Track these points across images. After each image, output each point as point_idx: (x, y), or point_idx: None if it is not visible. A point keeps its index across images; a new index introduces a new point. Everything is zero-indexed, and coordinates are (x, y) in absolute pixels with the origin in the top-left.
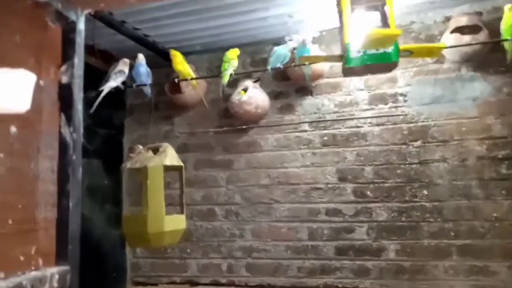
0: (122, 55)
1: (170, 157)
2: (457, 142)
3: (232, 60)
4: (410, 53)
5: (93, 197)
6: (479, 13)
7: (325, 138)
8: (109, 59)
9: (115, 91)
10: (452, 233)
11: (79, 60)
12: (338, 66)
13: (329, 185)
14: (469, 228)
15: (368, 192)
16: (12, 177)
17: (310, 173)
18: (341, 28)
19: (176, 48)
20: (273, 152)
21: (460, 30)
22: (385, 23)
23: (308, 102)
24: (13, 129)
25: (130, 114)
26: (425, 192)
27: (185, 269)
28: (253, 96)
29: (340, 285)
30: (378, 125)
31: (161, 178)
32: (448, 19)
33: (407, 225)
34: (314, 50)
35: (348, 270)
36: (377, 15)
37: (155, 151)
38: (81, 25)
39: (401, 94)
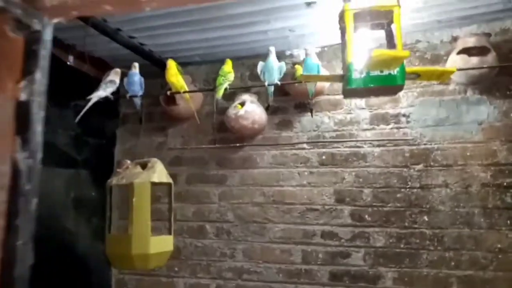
0: (117, 63)
1: (159, 173)
2: (460, 167)
3: (228, 74)
4: (417, 76)
5: (78, 210)
6: (488, 34)
7: (324, 157)
8: (104, 67)
9: (107, 100)
10: (453, 263)
11: (42, 75)
12: (339, 83)
13: (326, 207)
14: (471, 258)
15: (366, 216)
16: None
17: (307, 193)
18: (343, 47)
19: (173, 58)
20: (269, 169)
21: (467, 51)
22: (391, 42)
23: (307, 119)
24: None
25: (123, 123)
26: (426, 218)
27: None
28: (250, 110)
29: None
30: (379, 146)
31: (148, 195)
32: (455, 39)
33: (405, 252)
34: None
35: None
36: (382, 34)
37: (144, 166)
38: (47, 36)
39: (404, 115)
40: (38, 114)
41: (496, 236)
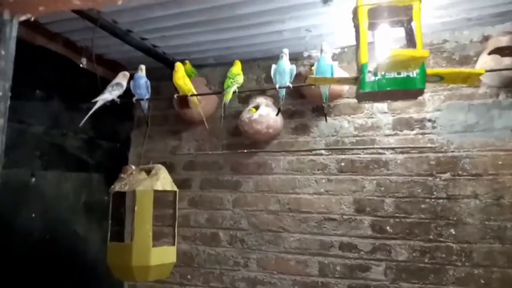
0: (132, 65)
1: (163, 180)
2: (491, 176)
3: (237, 76)
4: (440, 78)
5: (89, 215)
6: None
7: (342, 163)
8: (118, 69)
9: (119, 102)
10: (482, 281)
11: (3, 78)
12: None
13: (345, 217)
14: (503, 276)
15: (388, 227)
16: None
17: (324, 201)
18: (357, 46)
19: (187, 60)
20: (284, 176)
21: (500, 51)
22: (411, 41)
23: (325, 123)
24: None
25: (138, 126)
26: (452, 231)
27: None
28: (264, 114)
29: None
30: (402, 153)
31: (150, 204)
32: (486, 38)
33: (430, 268)
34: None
35: None
36: (401, 32)
37: (149, 172)
38: (10, 34)
39: (429, 120)
40: None
41: None
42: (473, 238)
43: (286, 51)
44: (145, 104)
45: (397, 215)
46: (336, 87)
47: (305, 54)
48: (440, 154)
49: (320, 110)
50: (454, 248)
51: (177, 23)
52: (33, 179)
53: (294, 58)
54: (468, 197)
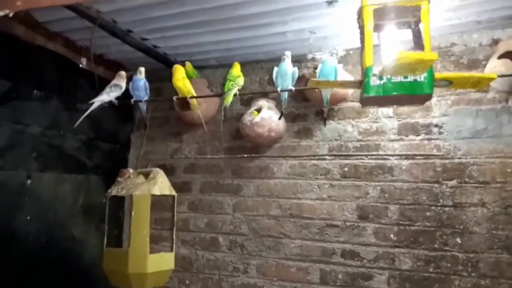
0: (133, 66)
1: (160, 185)
2: (500, 184)
3: (237, 78)
4: (449, 83)
5: (87, 218)
6: None
7: (346, 169)
8: (118, 69)
9: (118, 104)
10: None
11: None
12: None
13: (347, 223)
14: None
15: (392, 235)
16: None
17: (327, 207)
18: (362, 48)
19: (188, 61)
20: (286, 180)
21: (510, 55)
22: (418, 44)
23: (329, 127)
24: None
25: (138, 128)
26: (459, 240)
27: None
28: (266, 117)
29: None
30: (407, 158)
31: (148, 209)
32: (496, 42)
33: (435, 277)
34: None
35: None
36: (408, 34)
37: (147, 176)
38: None
39: (436, 125)
40: None
41: None
42: (480, 248)
43: (288, 53)
44: (143, 106)
45: (401, 222)
46: (340, 90)
47: (309, 56)
48: (447, 161)
49: (322, 113)
50: (460, 257)
51: (178, 23)
52: (29, 181)
53: (298, 60)
54: (475, 205)
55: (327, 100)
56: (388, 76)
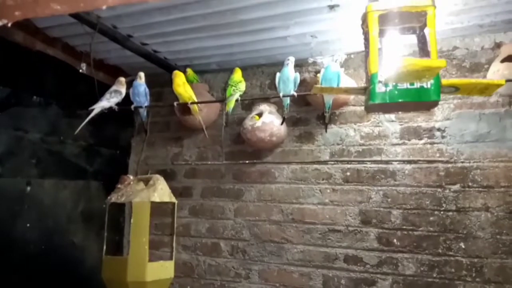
0: (133, 71)
1: (160, 192)
2: (503, 189)
3: (239, 84)
4: (455, 89)
5: (87, 224)
6: None
7: (348, 173)
8: (119, 74)
9: (116, 110)
10: None
11: None
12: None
13: (350, 228)
14: None
15: (395, 240)
16: None
17: (329, 212)
18: (366, 54)
19: (189, 66)
20: (288, 185)
21: None
22: (424, 50)
23: (331, 131)
24: None
25: (138, 133)
26: (462, 245)
27: None
28: (268, 122)
29: None
30: (409, 163)
31: (147, 216)
32: (498, 45)
33: (438, 282)
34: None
35: None
36: (410, 38)
37: (147, 182)
38: None
39: (439, 129)
40: None
41: None
42: (484, 253)
43: (292, 59)
44: (143, 112)
45: (404, 227)
46: (342, 95)
47: (310, 60)
48: (450, 165)
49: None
50: (464, 262)
51: (179, 28)
52: (29, 188)
53: (299, 65)
54: (479, 210)
55: (329, 105)
56: (394, 83)
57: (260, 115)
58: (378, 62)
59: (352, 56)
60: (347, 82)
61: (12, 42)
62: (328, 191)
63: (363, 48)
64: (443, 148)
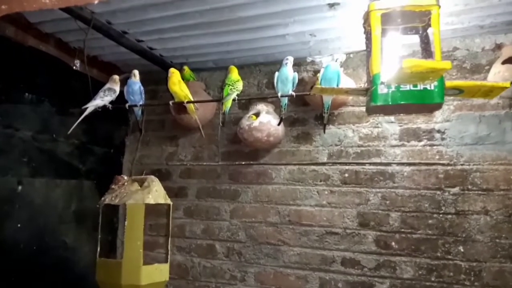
0: (128, 68)
1: (155, 193)
2: (503, 192)
3: (236, 83)
4: (459, 91)
5: (80, 224)
6: None
7: (346, 175)
8: (113, 71)
9: (109, 108)
10: None
11: None
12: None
13: (348, 231)
14: None
15: (393, 243)
16: None
17: (326, 214)
18: (368, 55)
19: (185, 64)
20: (285, 186)
21: None
22: (427, 50)
23: (329, 132)
24: None
25: (133, 132)
26: (461, 248)
27: None
28: (265, 122)
29: None
30: (409, 165)
31: (142, 219)
32: (499, 46)
33: (437, 286)
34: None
35: None
36: (413, 39)
37: (141, 183)
38: None
39: (438, 131)
40: None
41: None
42: (483, 257)
43: (291, 58)
44: (138, 111)
45: (403, 230)
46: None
47: (309, 59)
48: (449, 167)
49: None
50: (463, 266)
51: (175, 25)
52: (20, 187)
53: (297, 64)
54: (478, 213)
55: (328, 106)
56: (396, 85)
57: (257, 114)
58: (380, 63)
59: (351, 55)
60: (346, 82)
61: (3, 37)
62: (326, 192)
63: (362, 48)
64: (442, 150)
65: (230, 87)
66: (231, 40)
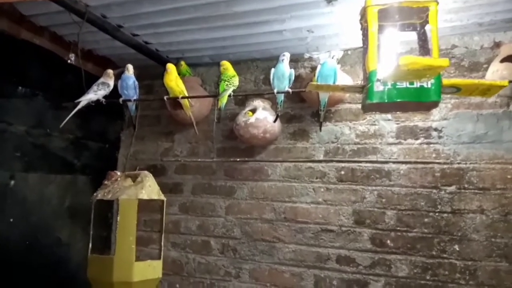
0: (123, 62)
1: (148, 189)
2: (499, 191)
3: (232, 78)
4: (456, 89)
5: (74, 220)
6: None
7: (342, 172)
8: (108, 66)
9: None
10: None
11: None
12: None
13: (343, 228)
14: None
15: (388, 241)
16: None
17: (322, 211)
18: (364, 51)
19: (181, 59)
20: (280, 183)
21: None
22: (424, 47)
23: (326, 128)
24: None
25: (128, 127)
26: (457, 247)
27: None
28: (261, 118)
29: None
30: (405, 163)
31: (134, 214)
32: (498, 45)
33: (432, 285)
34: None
35: None
36: (411, 36)
37: (134, 179)
38: None
39: (435, 129)
40: None
41: None
42: (478, 256)
43: (287, 54)
44: (132, 106)
45: (398, 228)
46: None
47: (306, 55)
48: (446, 166)
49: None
50: (458, 265)
51: (171, 19)
52: (12, 182)
53: (294, 60)
54: (474, 212)
55: (324, 103)
56: (393, 82)
57: (253, 111)
58: (377, 60)
59: (349, 52)
60: (344, 79)
61: None
62: (322, 190)
63: (360, 44)
64: (439, 148)
65: (226, 82)
66: (227, 35)
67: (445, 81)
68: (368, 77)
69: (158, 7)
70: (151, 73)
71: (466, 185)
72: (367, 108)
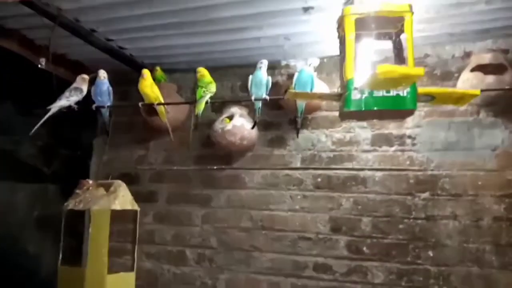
0: (96, 67)
1: (121, 199)
2: (471, 197)
3: (209, 85)
4: (431, 98)
5: (43, 230)
6: (505, 51)
7: (319, 179)
8: (82, 71)
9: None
10: None
11: None
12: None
13: (320, 236)
14: None
15: (364, 248)
16: None
17: (299, 219)
18: (341, 60)
19: (157, 65)
20: (258, 191)
21: (482, 68)
22: (399, 56)
23: (302, 136)
24: None
25: (101, 133)
26: (431, 253)
27: None
28: (238, 125)
29: None
30: (380, 170)
31: (107, 225)
32: (468, 55)
33: None
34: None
35: None
36: (386, 45)
37: (107, 188)
38: None
39: (409, 137)
40: None
41: (509, 276)
42: (452, 261)
43: (265, 62)
44: (106, 112)
45: (374, 235)
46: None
47: (283, 63)
48: (420, 173)
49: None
50: (432, 271)
51: (146, 24)
52: None
53: (272, 67)
54: (447, 218)
55: (301, 110)
56: (369, 91)
57: (230, 118)
58: (354, 68)
59: (325, 60)
60: (320, 86)
61: None
62: (299, 197)
63: (336, 53)
64: (413, 155)
65: (203, 89)
66: (204, 42)
67: (420, 89)
68: (346, 85)
69: (134, 12)
70: (126, 79)
71: (439, 192)
72: (345, 115)
